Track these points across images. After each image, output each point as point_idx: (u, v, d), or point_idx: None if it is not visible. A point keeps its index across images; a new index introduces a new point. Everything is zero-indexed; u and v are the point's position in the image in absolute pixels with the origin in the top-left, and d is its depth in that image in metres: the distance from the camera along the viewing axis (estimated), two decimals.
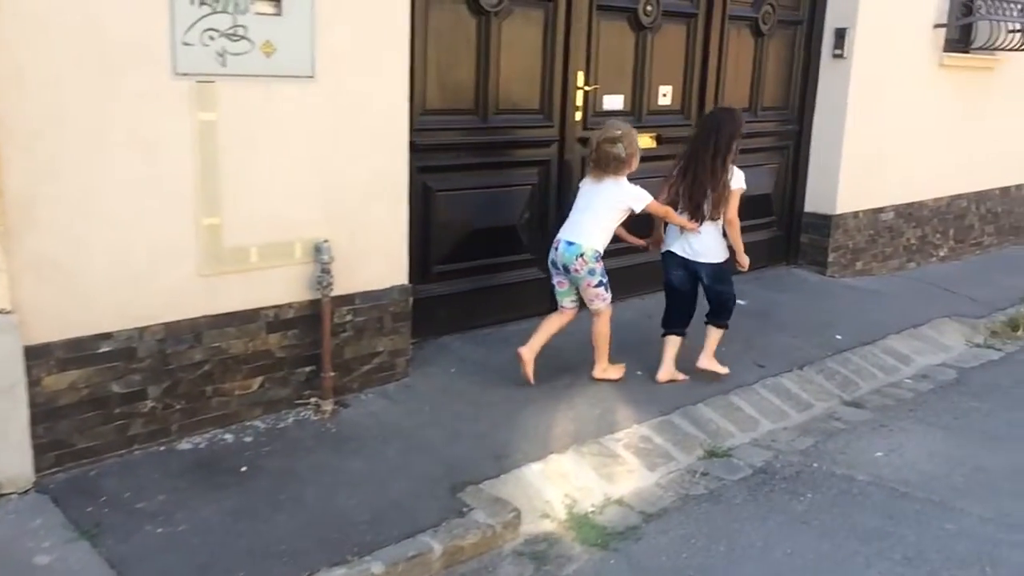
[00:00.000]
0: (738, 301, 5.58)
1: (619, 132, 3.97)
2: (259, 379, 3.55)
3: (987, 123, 7.42)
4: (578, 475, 3.56)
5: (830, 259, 6.35)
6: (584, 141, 4.91)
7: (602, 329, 4.20)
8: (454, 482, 3.32)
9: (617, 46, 4.98)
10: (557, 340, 4.71)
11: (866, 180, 6.39)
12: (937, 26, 6.65)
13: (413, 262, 4.22)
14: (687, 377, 4.41)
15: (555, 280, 4.14)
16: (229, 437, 3.48)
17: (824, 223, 6.30)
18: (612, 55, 4.96)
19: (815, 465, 3.83)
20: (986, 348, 5.52)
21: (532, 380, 4.09)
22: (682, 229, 4.24)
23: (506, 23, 4.42)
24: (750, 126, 5.82)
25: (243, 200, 3.37)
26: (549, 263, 4.13)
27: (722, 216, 4.17)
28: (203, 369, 3.38)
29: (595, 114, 4.96)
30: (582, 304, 4.20)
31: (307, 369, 3.68)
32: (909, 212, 6.92)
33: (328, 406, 3.69)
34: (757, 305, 5.64)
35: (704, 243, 4.24)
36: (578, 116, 4.84)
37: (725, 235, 4.33)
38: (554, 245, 4.09)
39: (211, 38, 3.21)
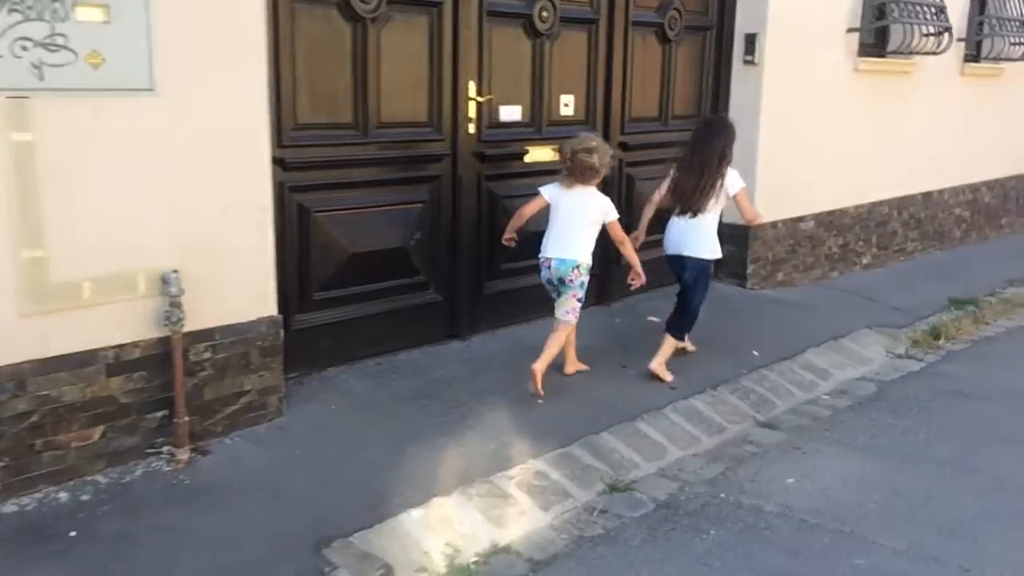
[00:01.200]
0: (652, 319, 5.43)
1: (594, 143, 4.14)
2: (100, 428, 3.16)
3: (906, 128, 7.33)
4: (463, 520, 3.24)
5: (749, 271, 6.14)
6: (481, 155, 4.63)
7: (560, 339, 4.27)
8: (320, 537, 2.98)
9: (512, 54, 4.71)
10: (453, 370, 4.42)
11: (784, 189, 6.21)
12: (850, 30, 6.53)
13: (289, 289, 3.90)
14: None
15: (553, 294, 4.28)
16: (63, 496, 3.09)
17: (742, 234, 6.09)
18: (507, 64, 4.68)
19: (722, 496, 3.57)
20: (907, 359, 5.35)
21: (541, 392, 4.15)
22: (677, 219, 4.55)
23: (385, 31, 4.12)
24: (659, 136, 5.63)
25: (72, 229, 3.00)
26: (544, 281, 4.26)
27: (741, 214, 4.67)
28: (30, 420, 2.99)
29: (491, 126, 4.68)
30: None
31: (159, 414, 3.31)
32: (830, 220, 6.77)
33: (184, 455, 3.32)
34: None
35: (701, 237, 4.51)
36: (472, 128, 4.55)
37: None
38: (544, 264, 4.21)
39: (24, 48, 2.85)
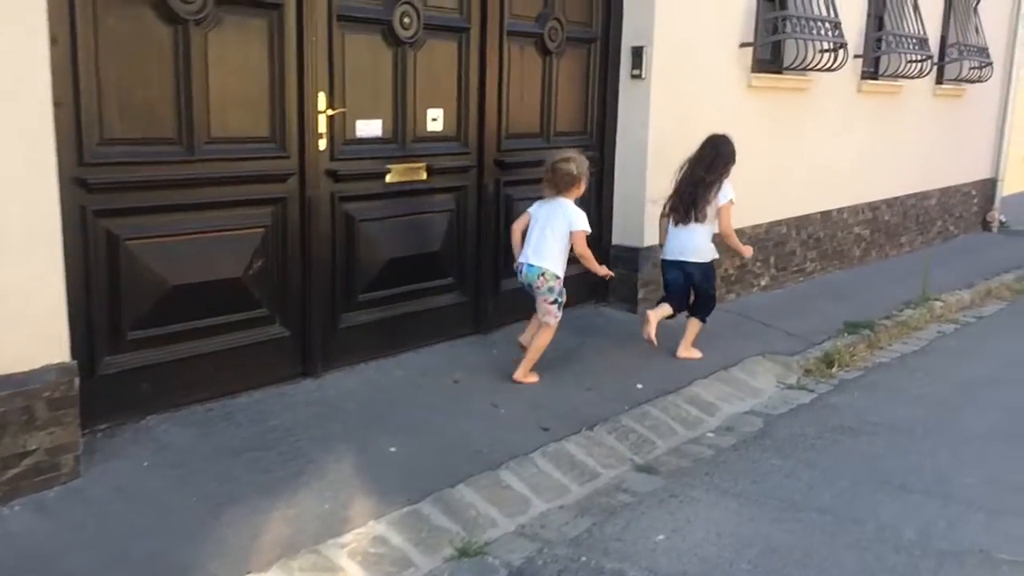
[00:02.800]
0: None
1: (572, 154, 4.47)
2: None
3: (803, 145, 7.16)
4: None
5: (640, 296, 5.84)
6: (333, 174, 4.19)
7: (543, 342, 4.53)
8: None
9: (369, 64, 4.29)
10: (298, 414, 3.97)
11: None
12: (743, 45, 6.31)
13: (95, 329, 3.40)
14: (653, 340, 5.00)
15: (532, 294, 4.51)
16: None
17: (632, 256, 5.80)
18: (363, 74, 4.27)
19: (583, 559, 3.20)
20: (798, 389, 5.10)
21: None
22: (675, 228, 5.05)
23: (214, 34, 3.65)
24: (540, 153, 5.27)
25: None
26: (521, 284, 4.50)
27: (718, 226, 5.03)
28: None
29: (346, 142, 4.25)
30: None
31: None
32: (718, 241, 6.50)
33: None
34: (555, 352, 5.01)
35: (696, 245, 5.02)
36: (322, 145, 4.11)
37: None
38: (517, 268, 4.48)
39: None
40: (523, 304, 5.32)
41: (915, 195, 9.20)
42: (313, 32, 3.96)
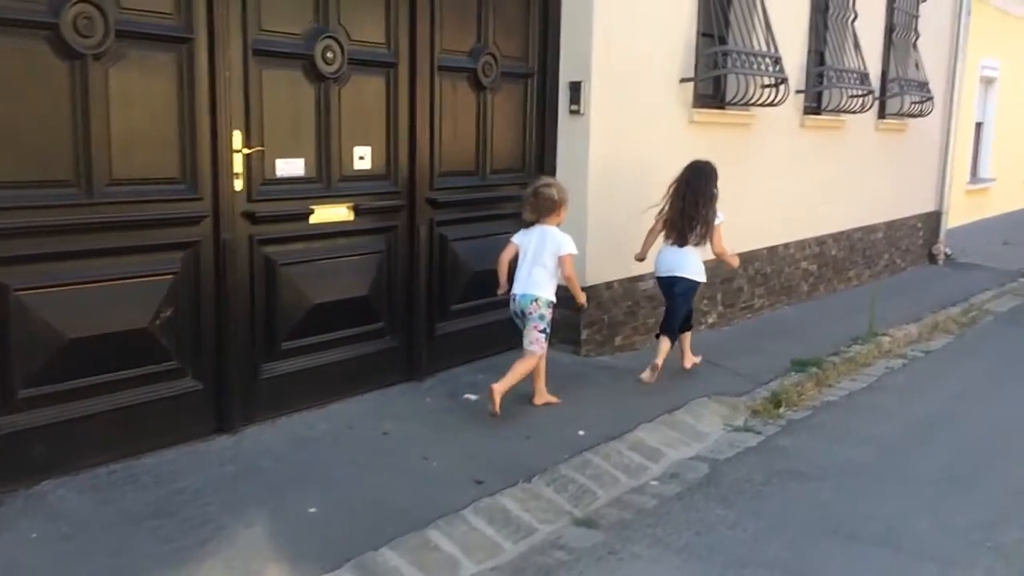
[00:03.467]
0: (468, 396, 4.84)
1: (552, 180, 4.69)
2: None
3: (747, 180, 7.08)
4: None
5: (584, 336, 5.66)
6: (251, 215, 3.97)
7: (525, 368, 4.57)
8: None
9: (290, 100, 4.10)
10: (210, 475, 3.71)
11: (618, 246, 5.79)
12: (684, 80, 6.23)
13: None
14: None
15: (520, 324, 4.62)
16: None
17: (569, 295, 5.60)
18: (283, 111, 4.07)
19: None
20: (745, 432, 4.93)
21: (497, 412, 4.44)
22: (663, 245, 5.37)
23: (115, 70, 3.43)
24: (476, 192, 5.12)
25: None
26: (512, 312, 4.63)
27: (710, 245, 5.31)
28: None
29: (265, 182, 4.04)
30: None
31: None
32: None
33: None
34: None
35: (691, 262, 5.29)
36: (239, 185, 3.89)
37: None
38: (512, 298, 4.58)
39: None
40: (460, 347, 5.14)
41: (862, 228, 9.20)
42: (226, 67, 3.76)
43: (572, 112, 5.48)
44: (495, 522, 3.64)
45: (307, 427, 4.19)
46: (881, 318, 7.21)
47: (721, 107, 6.78)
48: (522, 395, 4.93)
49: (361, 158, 4.44)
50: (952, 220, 11.28)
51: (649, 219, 5.50)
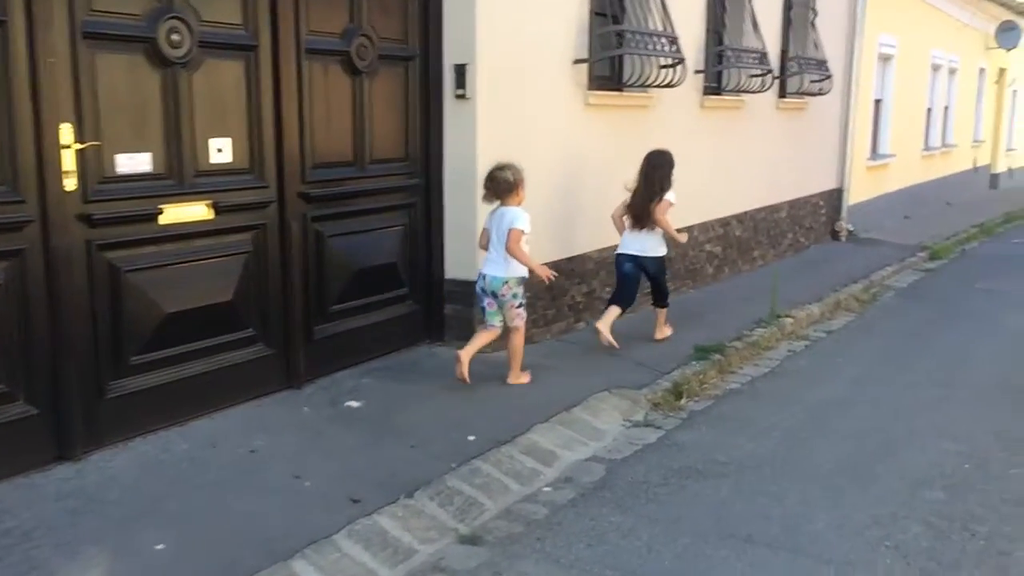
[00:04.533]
0: (350, 403, 4.53)
1: (507, 163, 4.74)
2: None
3: None
4: None
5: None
6: (87, 218, 3.55)
7: (518, 342, 4.87)
8: None
9: (131, 88, 3.68)
10: (44, 511, 3.30)
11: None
12: (578, 61, 5.99)
13: None
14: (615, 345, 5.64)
15: (484, 303, 4.83)
16: None
17: (467, 291, 5.34)
18: (123, 100, 3.66)
19: None
20: (644, 427, 4.74)
21: (467, 379, 4.74)
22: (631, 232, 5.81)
23: None
24: (356, 183, 4.78)
25: None
26: (478, 290, 4.82)
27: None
28: None
29: (104, 180, 3.62)
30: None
31: None
32: (571, 268, 6.17)
33: None
34: (375, 406, 4.52)
35: (651, 244, 5.78)
36: (71, 185, 3.47)
37: None
38: (481, 275, 4.78)
39: None
40: (344, 350, 4.81)
41: (765, 208, 9.17)
42: (50, 53, 3.33)
43: (458, 97, 5.17)
44: (371, 546, 3.35)
45: (164, 449, 3.81)
46: (785, 298, 7.16)
47: (619, 89, 6.58)
48: (416, 397, 4.65)
49: (219, 151, 4.05)
50: (853, 197, 11.41)
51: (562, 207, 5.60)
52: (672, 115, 7.18)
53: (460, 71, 5.12)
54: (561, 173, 5.92)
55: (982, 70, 17.98)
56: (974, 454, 4.32)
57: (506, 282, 4.70)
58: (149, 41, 3.70)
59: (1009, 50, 17.71)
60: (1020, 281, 9.17)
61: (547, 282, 4.99)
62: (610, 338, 5.62)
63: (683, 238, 5.93)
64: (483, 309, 4.86)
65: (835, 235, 11.15)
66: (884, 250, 10.53)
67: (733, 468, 4.18)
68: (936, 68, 14.86)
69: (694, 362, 5.67)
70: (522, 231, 4.63)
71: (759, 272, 8.81)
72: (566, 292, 6.15)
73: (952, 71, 15.80)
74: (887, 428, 4.72)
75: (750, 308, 7.06)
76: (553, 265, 5.98)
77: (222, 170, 4.07)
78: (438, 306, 5.38)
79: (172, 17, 3.74)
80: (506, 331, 4.87)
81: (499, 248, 4.67)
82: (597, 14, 6.16)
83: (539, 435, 4.43)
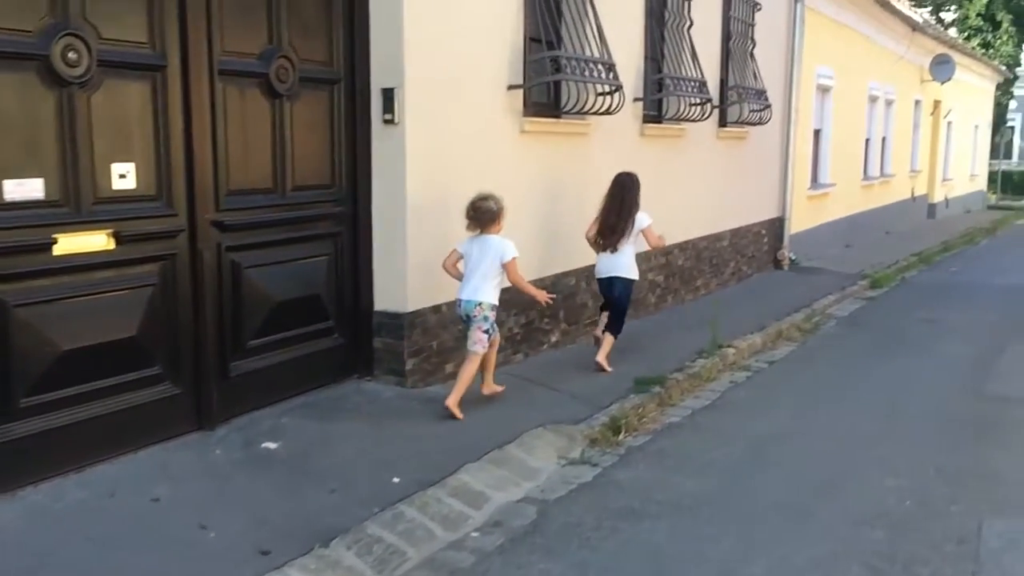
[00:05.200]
0: (267, 445, 4.26)
1: (488, 193, 4.89)
2: None
3: (586, 191, 6.76)
4: None
5: (408, 367, 5.15)
6: None
7: (471, 370, 4.89)
8: None
9: (20, 109, 3.42)
10: None
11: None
12: (512, 87, 5.84)
13: None
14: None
15: (465, 327, 4.97)
16: None
17: (397, 324, 5.11)
18: (12, 122, 3.39)
19: None
20: (581, 464, 4.55)
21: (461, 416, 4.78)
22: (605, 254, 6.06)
23: None
24: (275, 212, 4.55)
25: None
26: (458, 315, 4.94)
27: (634, 241, 6.04)
28: None
29: None
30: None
31: None
32: (506, 298, 5.95)
33: None
34: (294, 447, 4.26)
35: (625, 264, 6.00)
36: None
37: None
38: (457, 303, 4.89)
39: None
40: (263, 388, 4.55)
41: (707, 237, 9.11)
42: None
43: (386, 122, 4.97)
44: None
45: (56, 498, 3.49)
46: (727, 328, 7.07)
47: (556, 116, 6.46)
48: (339, 436, 4.40)
49: (122, 176, 3.79)
50: (795, 225, 11.46)
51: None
52: (612, 142, 7.07)
53: (388, 95, 4.93)
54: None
55: (918, 102, 18.39)
56: (915, 490, 4.20)
57: (479, 304, 4.82)
58: (42, 59, 3.44)
59: (943, 83, 18.14)
60: (958, 310, 9.23)
61: (546, 305, 5.38)
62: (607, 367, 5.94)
63: (664, 242, 6.43)
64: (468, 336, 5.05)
65: (777, 264, 11.16)
66: (826, 279, 10.56)
67: (670, 508, 4.00)
68: (873, 99, 15.13)
69: (634, 395, 5.51)
70: (515, 257, 4.89)
71: (702, 301, 8.73)
72: (503, 323, 5.95)
73: (889, 103, 16.11)
74: (828, 463, 4.59)
75: (692, 338, 6.94)
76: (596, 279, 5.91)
77: (125, 197, 3.80)
78: (367, 339, 5.14)
79: (68, 34, 3.49)
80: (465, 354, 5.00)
81: (478, 274, 4.82)
82: (532, 39, 6.04)
83: (469, 475, 4.21)
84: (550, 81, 6.10)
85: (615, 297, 6.04)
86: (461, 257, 4.92)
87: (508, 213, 5.86)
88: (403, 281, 5.07)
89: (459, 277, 4.91)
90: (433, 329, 5.30)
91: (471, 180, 5.47)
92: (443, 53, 5.16)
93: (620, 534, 3.75)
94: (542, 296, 5.19)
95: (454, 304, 4.96)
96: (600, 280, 6.15)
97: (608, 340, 6.00)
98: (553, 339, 6.55)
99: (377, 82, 4.97)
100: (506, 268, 4.87)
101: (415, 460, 4.25)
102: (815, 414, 5.51)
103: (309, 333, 4.79)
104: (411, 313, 5.11)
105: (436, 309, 5.30)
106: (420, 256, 5.12)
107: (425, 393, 5.18)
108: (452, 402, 4.74)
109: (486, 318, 4.86)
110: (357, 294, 5.09)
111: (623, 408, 5.27)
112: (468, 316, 4.87)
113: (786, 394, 5.99)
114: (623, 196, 5.93)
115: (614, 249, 5.94)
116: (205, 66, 4.07)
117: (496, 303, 4.91)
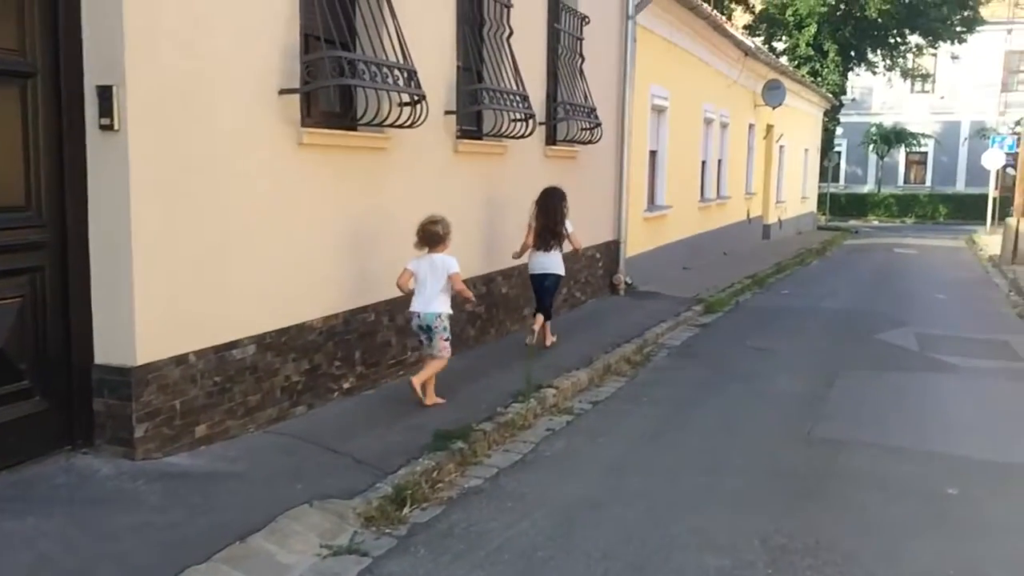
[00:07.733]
0: None
1: (439, 216, 5.54)
2: None
3: (387, 215, 5.94)
4: None
5: (139, 434, 4.11)
6: None
7: (437, 367, 5.51)
8: None
9: None
10: None
11: (195, 305, 4.35)
12: (285, 92, 4.93)
13: None
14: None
15: (422, 337, 5.55)
16: None
17: (124, 381, 4.07)
18: None
19: None
20: (348, 555, 3.67)
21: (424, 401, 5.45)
22: (533, 252, 7.32)
23: None
24: None
25: None
26: (414, 327, 5.52)
27: (568, 242, 7.39)
28: None
29: None
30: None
31: None
32: (284, 340, 5.03)
33: None
34: None
35: (555, 263, 7.30)
36: None
37: None
38: (413, 316, 5.49)
39: None
40: None
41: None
42: None
43: (103, 128, 3.95)
44: None
45: None
46: (552, 363, 6.39)
47: (350, 128, 5.59)
48: (19, 537, 3.31)
49: None
50: (632, 248, 11.03)
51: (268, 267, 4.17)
52: (419, 159, 6.27)
53: (104, 94, 3.91)
54: (262, 223, 4.81)
55: (751, 126, 18.67)
56: (737, 570, 3.56)
57: (439, 315, 5.42)
58: None
59: (775, 107, 18.49)
60: (788, 338, 8.96)
61: (470, 306, 6.34)
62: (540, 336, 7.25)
63: (580, 245, 7.74)
64: (421, 342, 5.60)
65: (614, 288, 10.68)
66: (661, 304, 10.16)
67: None
68: (708, 122, 15.09)
69: (430, 453, 4.68)
70: (458, 272, 5.47)
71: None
72: (277, 371, 5.00)
73: (724, 125, 16.17)
74: (642, 538, 3.90)
75: (511, 378, 6.20)
76: (262, 337, 4.87)
77: None
78: (84, 402, 4.07)
79: None
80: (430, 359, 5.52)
81: (431, 288, 5.39)
82: (313, 37, 5.16)
83: None
84: (333, 86, 5.21)
85: (548, 288, 7.22)
86: (413, 275, 5.41)
87: (281, 239, 4.99)
88: (129, 327, 4.04)
89: (409, 293, 5.44)
90: (176, 385, 4.29)
91: (230, 202, 4.55)
92: (182, 45, 4.20)
93: None
94: (470, 295, 5.89)
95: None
96: (534, 275, 7.27)
97: (547, 325, 7.34)
98: (345, 385, 5.63)
99: (91, 79, 3.95)
100: (452, 279, 5.44)
101: (119, 564, 3.26)
102: (633, 470, 4.85)
103: (21, 390, 3.69)
104: (142, 367, 4.09)
105: (181, 359, 4.30)
106: (157, 295, 4.12)
107: (161, 466, 4.15)
108: (416, 381, 5.37)
109: (445, 328, 5.46)
110: (68, 345, 4.02)
111: (413, 473, 4.42)
112: (429, 327, 5.42)
113: (606, 443, 5.33)
114: (555, 206, 7.15)
115: (548, 249, 7.16)
116: None
117: (451, 312, 5.54)
